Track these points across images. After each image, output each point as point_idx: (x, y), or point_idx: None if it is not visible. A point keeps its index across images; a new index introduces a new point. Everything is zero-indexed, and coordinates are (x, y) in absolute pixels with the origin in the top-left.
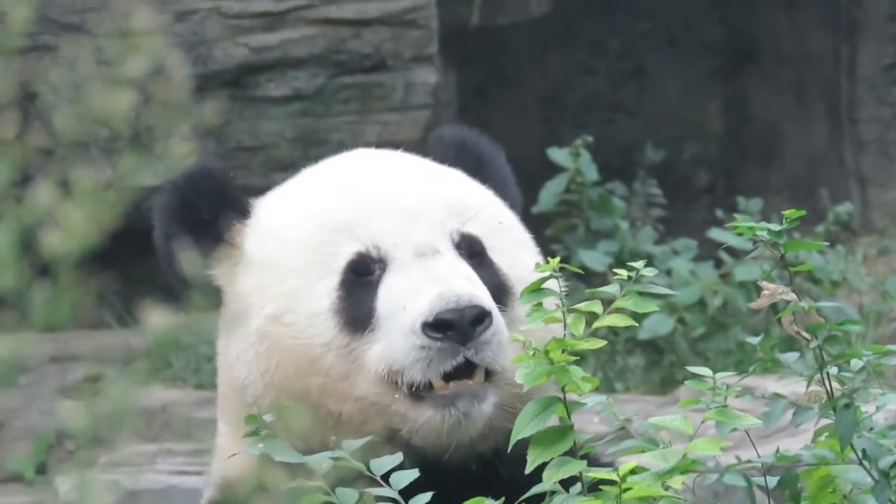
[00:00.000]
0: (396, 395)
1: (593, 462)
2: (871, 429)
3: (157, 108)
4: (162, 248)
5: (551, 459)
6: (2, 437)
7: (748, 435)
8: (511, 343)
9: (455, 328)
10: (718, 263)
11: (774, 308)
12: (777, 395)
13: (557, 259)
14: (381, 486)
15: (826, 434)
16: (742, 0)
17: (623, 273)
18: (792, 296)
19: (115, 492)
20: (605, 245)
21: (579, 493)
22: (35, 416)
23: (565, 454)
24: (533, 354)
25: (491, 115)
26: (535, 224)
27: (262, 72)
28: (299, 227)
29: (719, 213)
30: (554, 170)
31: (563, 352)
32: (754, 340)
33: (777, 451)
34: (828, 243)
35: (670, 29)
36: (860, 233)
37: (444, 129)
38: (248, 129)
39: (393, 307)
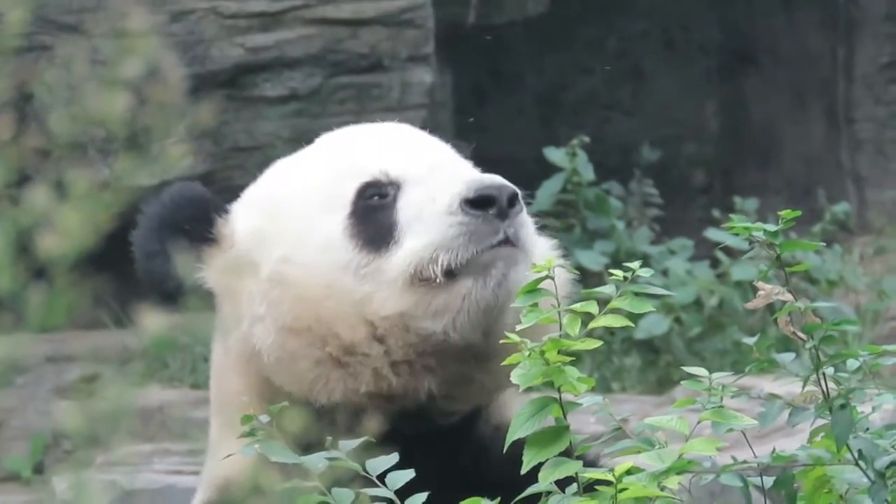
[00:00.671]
0: (434, 282)
1: (589, 462)
2: (867, 429)
3: (153, 109)
4: (144, 267)
5: (547, 460)
6: None
7: (744, 435)
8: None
9: (495, 203)
10: (715, 263)
11: (771, 308)
12: (773, 396)
13: (553, 259)
14: (377, 486)
15: (822, 434)
16: (739, 0)
17: (619, 273)
18: (788, 296)
19: (111, 491)
20: (602, 245)
21: (575, 494)
22: (32, 416)
23: (561, 454)
24: (529, 355)
25: (487, 114)
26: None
27: (258, 72)
28: (296, 180)
29: (716, 213)
30: (550, 169)
31: (558, 352)
32: (750, 340)
33: (773, 451)
34: (824, 243)
35: (667, 29)
36: (857, 232)
37: None
38: (245, 129)
39: (419, 208)
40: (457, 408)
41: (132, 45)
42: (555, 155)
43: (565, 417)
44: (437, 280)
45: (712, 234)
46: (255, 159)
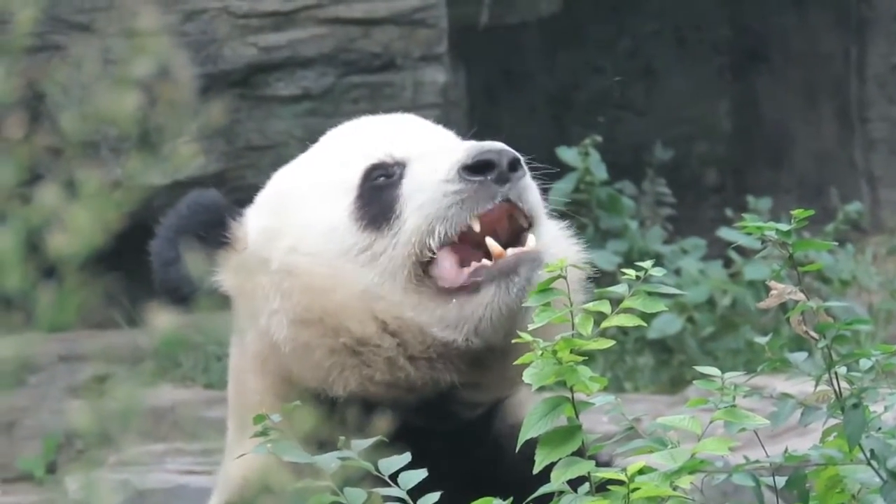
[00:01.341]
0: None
1: (602, 462)
2: (880, 429)
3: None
4: (161, 276)
5: (559, 459)
6: (11, 437)
7: (757, 435)
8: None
9: (494, 168)
10: (727, 263)
11: (783, 307)
12: (785, 395)
13: (565, 259)
14: (389, 485)
15: (834, 434)
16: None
17: (632, 273)
18: (801, 295)
19: (123, 491)
20: (614, 244)
21: (587, 494)
22: (44, 415)
23: (573, 454)
24: (541, 354)
25: (500, 114)
26: None
27: (271, 71)
28: (304, 174)
29: (728, 212)
30: (563, 169)
31: (571, 351)
32: (763, 340)
33: (786, 450)
34: (837, 242)
35: (680, 28)
36: (870, 232)
37: None
38: (258, 128)
39: (421, 179)
40: (480, 398)
41: (144, 45)
42: (567, 154)
43: (578, 417)
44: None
45: (725, 233)
46: (268, 158)
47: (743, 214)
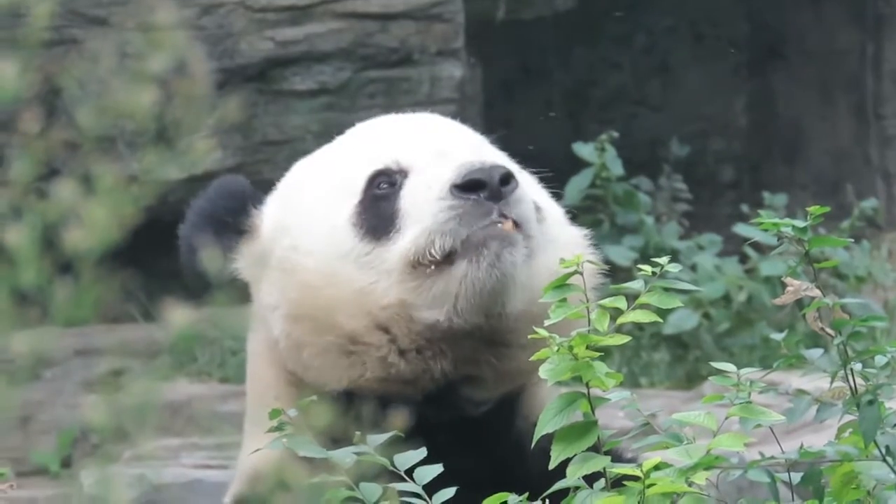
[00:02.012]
0: (430, 268)
1: (617, 458)
2: (895, 425)
3: (182, 103)
4: (187, 261)
5: (575, 455)
6: (27, 431)
7: (772, 431)
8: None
9: (485, 186)
10: (743, 259)
11: (799, 304)
12: (801, 392)
13: (581, 255)
14: (405, 481)
15: (850, 430)
16: None
17: (648, 268)
18: (816, 292)
19: (139, 486)
20: (630, 240)
21: (603, 489)
22: (60, 409)
23: (589, 450)
24: (557, 350)
25: (516, 109)
26: None
27: (287, 66)
28: (315, 170)
29: (744, 208)
30: (579, 165)
31: (587, 347)
32: (779, 336)
33: (801, 447)
34: (853, 239)
35: (696, 24)
36: (885, 228)
37: None
38: (274, 122)
39: (417, 195)
40: (481, 395)
41: (161, 39)
42: (583, 150)
43: (594, 412)
44: (434, 263)
45: (741, 229)
46: (285, 153)
47: (759, 211)
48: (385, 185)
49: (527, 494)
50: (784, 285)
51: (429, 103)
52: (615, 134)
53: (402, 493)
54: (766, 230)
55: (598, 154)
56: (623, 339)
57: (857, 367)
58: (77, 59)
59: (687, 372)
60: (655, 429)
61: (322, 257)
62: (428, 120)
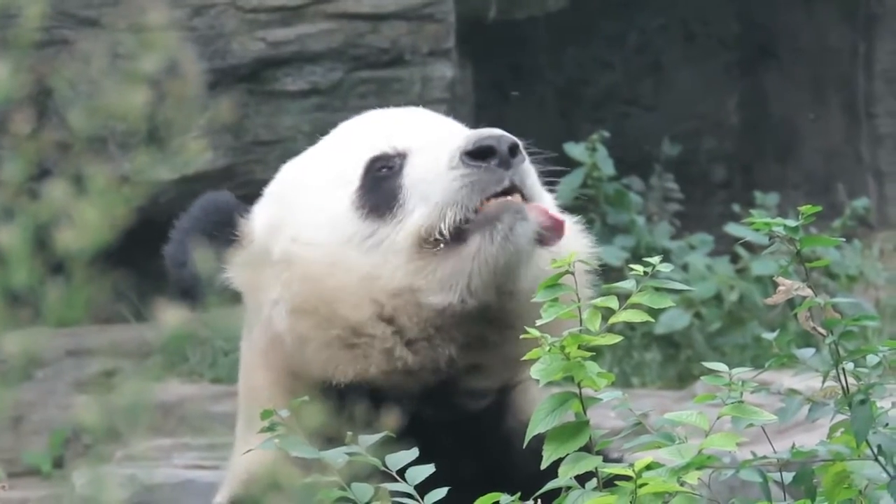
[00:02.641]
0: (440, 247)
1: (609, 458)
2: (887, 424)
3: (173, 104)
4: (175, 277)
5: (567, 455)
6: (19, 431)
7: (764, 430)
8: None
9: (496, 153)
10: (735, 258)
11: (791, 303)
12: (793, 391)
13: (574, 254)
14: (397, 481)
15: (842, 430)
16: None
17: (639, 268)
18: (808, 291)
19: (131, 486)
20: (622, 240)
21: (594, 489)
22: (52, 410)
23: (581, 450)
24: (549, 350)
25: (508, 109)
26: None
27: (279, 66)
28: (308, 166)
29: (736, 207)
30: (570, 164)
31: (579, 347)
32: (770, 336)
33: (793, 446)
34: (844, 238)
35: (687, 24)
36: (877, 227)
37: None
38: (266, 123)
39: (424, 169)
40: (483, 384)
41: (152, 40)
42: (575, 150)
43: (585, 412)
44: (445, 240)
45: (732, 229)
46: (276, 153)
47: (750, 210)
48: (385, 169)
49: (518, 494)
50: (775, 285)
51: (420, 103)
52: (606, 133)
53: (394, 494)
54: (757, 230)
55: (589, 154)
56: (615, 339)
57: (849, 366)
58: (68, 60)
59: (678, 371)
60: (647, 428)
61: (324, 246)
62: (416, 112)
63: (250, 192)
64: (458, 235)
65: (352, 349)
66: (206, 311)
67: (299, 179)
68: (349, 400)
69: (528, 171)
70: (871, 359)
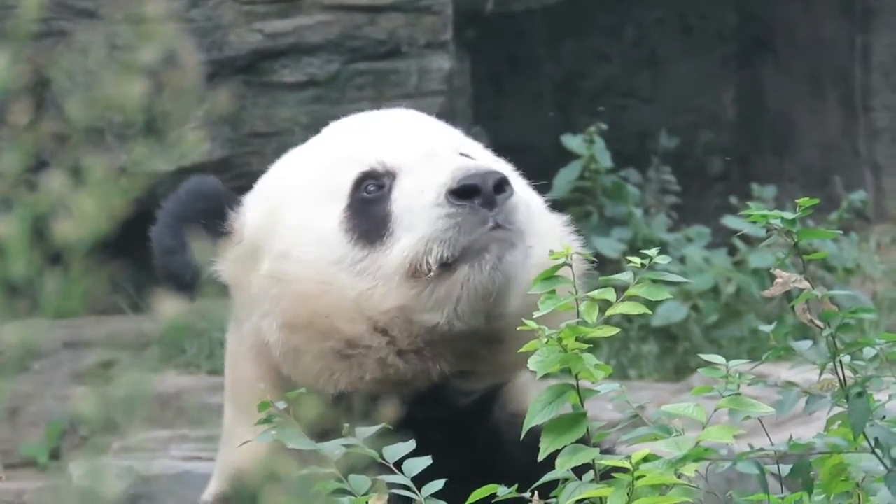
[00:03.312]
0: (430, 275)
1: (606, 450)
2: (884, 417)
3: (171, 95)
4: (162, 263)
5: (564, 447)
6: (15, 423)
7: (761, 423)
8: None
9: (480, 193)
10: (732, 251)
11: (788, 296)
12: (790, 383)
13: (570, 247)
14: (394, 472)
15: (839, 422)
16: None
17: (636, 260)
18: (805, 284)
19: (128, 477)
20: (619, 232)
21: (592, 481)
22: (48, 401)
23: (578, 442)
24: (546, 342)
25: (505, 102)
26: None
27: (276, 58)
28: (298, 174)
29: (733, 200)
30: (568, 157)
31: (576, 339)
32: (768, 328)
33: (790, 439)
34: (841, 231)
35: (685, 16)
36: (874, 220)
37: None
38: (263, 115)
39: (410, 200)
40: (473, 386)
41: (150, 31)
42: (572, 142)
43: (583, 405)
44: (432, 272)
45: (730, 221)
46: (273, 145)
47: (748, 203)
48: (373, 188)
49: (515, 486)
50: (773, 277)
51: (417, 95)
52: (604, 126)
53: (391, 486)
54: (754, 222)
55: (587, 146)
56: (612, 331)
57: (846, 359)
58: (66, 51)
59: (675, 364)
60: (644, 421)
61: (315, 265)
62: (406, 117)
63: (247, 184)
64: (448, 265)
65: (347, 359)
66: (197, 300)
67: (289, 186)
68: (344, 399)
69: (516, 206)
70: (868, 351)
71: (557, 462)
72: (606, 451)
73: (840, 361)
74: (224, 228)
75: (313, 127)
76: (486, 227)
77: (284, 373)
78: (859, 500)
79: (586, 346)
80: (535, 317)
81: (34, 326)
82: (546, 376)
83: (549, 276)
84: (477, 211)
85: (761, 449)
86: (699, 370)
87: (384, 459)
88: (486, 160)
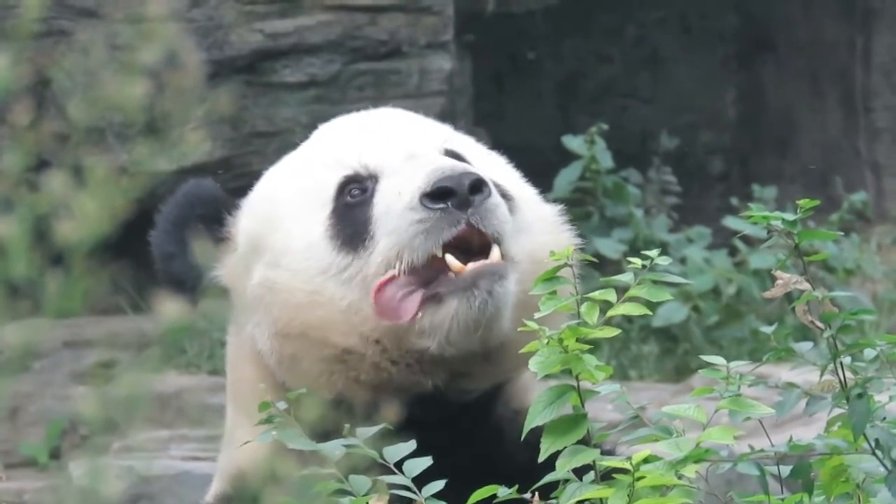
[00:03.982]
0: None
1: (607, 451)
2: (884, 418)
3: (172, 95)
4: (163, 269)
5: (564, 448)
6: (15, 422)
7: (761, 424)
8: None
9: (454, 194)
10: (733, 251)
11: (789, 297)
12: (790, 385)
13: (571, 248)
14: (394, 473)
15: (839, 423)
16: None
17: (637, 261)
18: (806, 285)
19: (128, 477)
20: (620, 233)
21: (592, 482)
22: (49, 401)
23: (579, 443)
24: (547, 343)
25: (506, 102)
26: None
27: (277, 58)
28: (286, 181)
29: (734, 201)
30: (569, 157)
31: (577, 340)
32: (768, 329)
33: (790, 440)
34: (842, 232)
35: (685, 17)
36: (874, 221)
37: None
38: (264, 115)
39: (388, 203)
40: (471, 388)
41: (151, 31)
42: (573, 142)
43: (583, 405)
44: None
45: (730, 222)
46: (274, 145)
47: (748, 203)
48: (357, 192)
49: (516, 487)
50: (773, 278)
51: (418, 96)
52: (605, 126)
53: (392, 486)
54: (755, 223)
55: (587, 146)
56: (613, 332)
57: (847, 360)
58: (67, 51)
59: (676, 365)
60: (645, 422)
61: (303, 275)
62: (392, 117)
63: (248, 184)
64: (435, 297)
65: (344, 363)
66: (198, 303)
67: (276, 196)
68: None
69: (492, 207)
70: (869, 353)
71: (558, 463)
72: (607, 452)
73: (840, 363)
74: (222, 234)
75: (314, 127)
76: (455, 229)
77: (279, 380)
78: (859, 501)
79: (587, 346)
80: (535, 317)
81: (35, 326)
82: (547, 377)
83: (550, 277)
84: (450, 213)
85: (762, 450)
86: (700, 371)
87: (384, 460)
88: (475, 156)
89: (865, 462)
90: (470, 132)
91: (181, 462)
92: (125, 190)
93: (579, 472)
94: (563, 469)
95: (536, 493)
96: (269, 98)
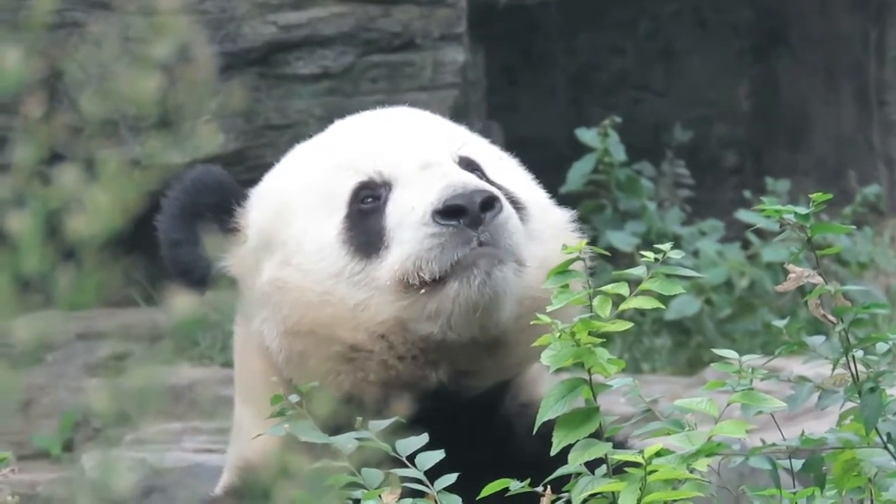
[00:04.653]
0: (421, 291)
1: (619, 444)
2: None
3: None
4: (170, 256)
5: (577, 441)
6: (28, 414)
7: (773, 418)
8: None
9: (466, 213)
10: (746, 245)
11: (801, 290)
12: (802, 378)
13: (584, 241)
14: (406, 466)
15: (851, 417)
16: None
17: (650, 254)
18: (819, 279)
19: (140, 469)
20: (633, 226)
21: (604, 475)
22: (62, 393)
23: (591, 436)
24: (559, 336)
25: (519, 95)
26: (563, 204)
27: (290, 50)
28: (299, 178)
29: (747, 194)
30: (582, 150)
31: (589, 333)
32: (781, 323)
33: (802, 433)
34: (855, 226)
35: (699, 10)
36: (888, 214)
37: None
38: (277, 107)
39: (402, 214)
40: (478, 384)
41: (164, 23)
42: (586, 135)
43: (595, 399)
44: (423, 290)
45: (743, 215)
46: (287, 137)
47: (761, 197)
48: (370, 199)
49: (528, 481)
50: (786, 272)
51: (431, 88)
52: (618, 119)
53: (404, 479)
54: (768, 216)
55: (601, 139)
56: (625, 326)
57: (859, 354)
58: (80, 43)
59: (689, 358)
60: (657, 415)
61: (315, 276)
62: (408, 118)
63: (261, 176)
64: (439, 280)
65: (352, 362)
66: (205, 293)
67: (290, 193)
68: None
69: (503, 224)
70: (881, 346)
71: (570, 456)
72: (619, 446)
73: (853, 356)
74: (231, 224)
75: (327, 119)
76: (468, 246)
77: (286, 377)
78: (871, 495)
79: (599, 340)
80: (547, 311)
81: (47, 319)
82: (559, 370)
83: (563, 271)
84: (462, 231)
85: (773, 444)
86: (712, 365)
87: (397, 453)
88: (488, 162)
89: (877, 456)
90: (483, 125)
91: (193, 454)
92: (138, 183)
93: (591, 465)
94: (575, 462)
95: (549, 487)
96: (282, 90)
